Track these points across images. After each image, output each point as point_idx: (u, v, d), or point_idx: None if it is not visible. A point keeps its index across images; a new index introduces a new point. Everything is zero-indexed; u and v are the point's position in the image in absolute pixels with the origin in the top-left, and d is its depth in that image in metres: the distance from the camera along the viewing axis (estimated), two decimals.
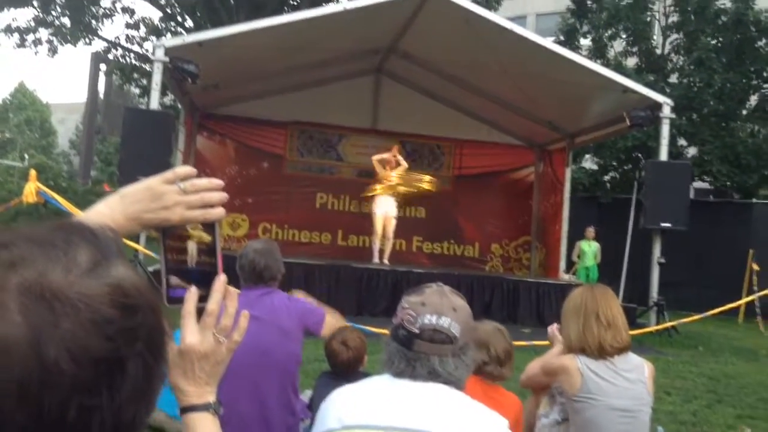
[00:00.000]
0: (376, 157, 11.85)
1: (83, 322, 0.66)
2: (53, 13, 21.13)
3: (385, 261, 11.55)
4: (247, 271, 3.42)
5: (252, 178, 13.81)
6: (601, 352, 3.07)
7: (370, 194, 12.03)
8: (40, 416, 0.64)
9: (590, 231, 13.76)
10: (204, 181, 1.09)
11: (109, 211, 1.04)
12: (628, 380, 3.11)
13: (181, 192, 1.07)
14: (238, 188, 13.35)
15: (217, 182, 1.11)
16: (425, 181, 12.43)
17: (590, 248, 13.65)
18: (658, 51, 19.03)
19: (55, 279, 0.67)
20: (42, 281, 0.67)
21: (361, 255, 12.55)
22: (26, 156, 47.26)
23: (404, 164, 11.85)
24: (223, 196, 1.09)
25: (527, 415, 3.36)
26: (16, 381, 0.63)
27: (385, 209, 11.65)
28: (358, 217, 13.21)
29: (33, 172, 9.50)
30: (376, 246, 11.69)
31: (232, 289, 1.07)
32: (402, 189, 11.84)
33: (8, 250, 0.69)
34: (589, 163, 19.66)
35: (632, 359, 3.19)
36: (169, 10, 22.06)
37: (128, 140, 9.91)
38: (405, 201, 12.72)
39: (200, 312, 1.04)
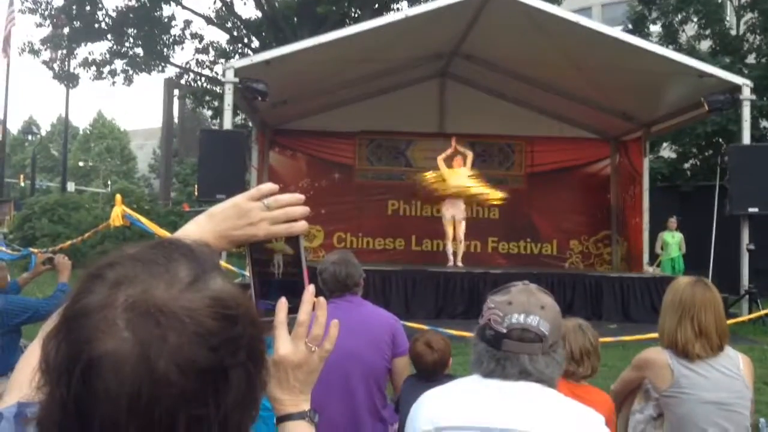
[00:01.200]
0: (440, 157, 11.86)
1: (188, 335, 0.68)
2: (127, 44, 22.04)
3: (459, 263, 11.50)
4: (331, 283, 3.47)
5: (324, 189, 14.00)
6: (688, 356, 2.97)
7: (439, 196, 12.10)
8: (151, 428, 0.67)
9: (672, 221, 13.32)
10: (287, 197, 1.13)
11: (199, 230, 1.08)
12: (722, 373, 3.00)
13: (266, 208, 1.10)
14: (311, 200, 13.47)
15: (299, 197, 1.14)
16: (491, 199, 12.41)
17: (674, 239, 13.21)
18: (733, 32, 18.28)
19: (159, 294, 0.70)
20: (147, 297, 0.70)
21: (435, 259, 12.52)
22: (109, 182, 49.34)
23: (470, 153, 11.83)
24: (305, 209, 1.13)
25: (624, 413, 3.28)
26: (127, 394, 0.66)
27: (452, 213, 11.63)
28: (431, 222, 13.19)
29: (119, 197, 9.90)
30: (449, 249, 11.67)
31: (322, 299, 1.10)
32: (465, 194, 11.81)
33: (113, 270, 0.72)
34: (667, 151, 19.03)
35: (726, 352, 3.07)
36: (235, 33, 22.67)
37: (205, 160, 10.22)
38: (477, 202, 12.64)
39: (290, 323, 1.07)
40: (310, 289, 1.08)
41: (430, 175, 12.23)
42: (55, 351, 0.69)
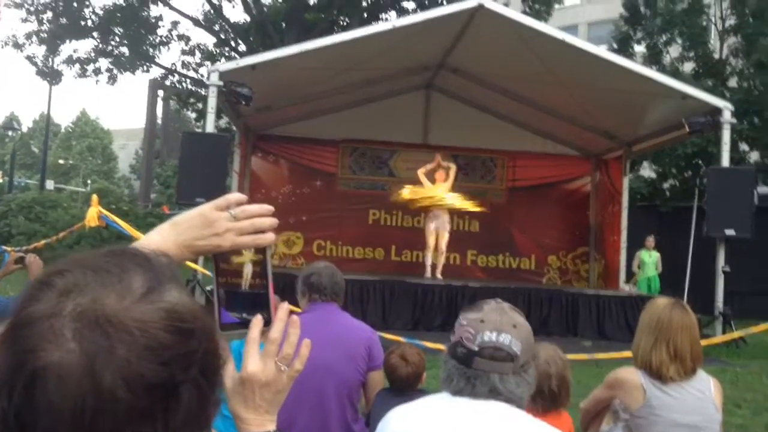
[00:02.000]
0: (421, 170, 11.84)
1: (138, 348, 0.66)
2: (112, 43, 21.89)
3: (438, 275, 11.49)
4: (316, 289, 3.44)
5: (306, 196, 13.95)
6: (661, 378, 2.98)
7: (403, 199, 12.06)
8: None
9: (650, 240, 13.43)
10: (255, 207, 1.10)
11: (161, 239, 1.05)
12: (693, 396, 3.01)
13: (232, 219, 1.07)
14: (293, 207, 13.49)
15: (268, 208, 1.11)
16: (468, 208, 12.36)
17: (651, 258, 13.31)
18: (716, 55, 18.52)
19: (110, 305, 0.67)
20: (96, 307, 0.67)
21: (415, 270, 12.51)
22: (89, 181, 48.88)
23: (452, 165, 11.82)
24: (273, 221, 1.10)
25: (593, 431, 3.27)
26: (70, 408, 0.63)
27: (435, 224, 11.61)
28: (411, 233, 13.20)
29: (95, 197, 9.80)
30: (429, 260, 11.65)
31: (295, 317, 1.07)
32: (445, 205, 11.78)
33: (63, 277, 0.69)
34: (647, 171, 19.21)
35: (698, 375, 3.08)
36: (222, 36, 22.60)
37: (186, 163, 10.14)
38: (458, 215, 12.64)
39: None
40: (284, 307, 1.06)
41: (405, 193, 12.19)
42: None
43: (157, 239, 1.05)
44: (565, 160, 14.27)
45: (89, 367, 0.64)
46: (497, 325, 1.65)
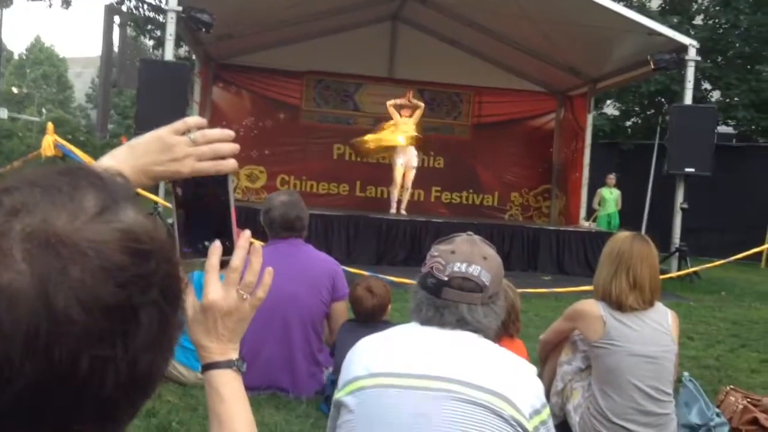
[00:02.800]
0: (390, 102, 11.68)
1: (93, 270, 0.61)
2: None
3: (403, 211, 11.53)
4: (279, 223, 3.41)
5: (269, 129, 13.73)
6: (620, 308, 3.04)
7: (362, 144, 11.93)
8: (50, 369, 0.60)
9: (611, 178, 13.62)
10: (215, 132, 1.05)
11: (117, 163, 1.00)
12: (651, 327, 3.08)
13: (192, 143, 1.02)
14: (255, 140, 13.28)
15: (229, 133, 1.06)
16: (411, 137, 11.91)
17: (611, 195, 13.52)
18: None
19: (61, 225, 0.62)
20: (47, 227, 0.62)
21: (379, 206, 12.52)
22: (44, 111, 47.46)
23: (421, 105, 11.70)
24: (234, 147, 1.05)
25: (551, 364, 3.34)
26: (23, 332, 0.59)
27: (406, 159, 11.56)
28: (376, 168, 13.14)
29: (50, 125, 9.51)
30: (394, 196, 11.65)
31: (257, 244, 1.04)
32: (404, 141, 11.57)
33: (11, 196, 0.64)
34: (610, 109, 19.32)
35: (656, 307, 3.15)
36: None
37: (144, 92, 9.83)
38: (423, 150, 12.49)
39: (222, 265, 1.01)
40: (245, 234, 1.02)
41: (369, 142, 11.93)
42: None
43: (113, 163, 0.99)
44: (530, 96, 14.24)
45: (41, 289, 0.59)
46: (467, 257, 1.64)
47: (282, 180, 13.61)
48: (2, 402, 0.60)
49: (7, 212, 0.62)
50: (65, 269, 0.60)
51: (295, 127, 13.80)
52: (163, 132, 1.03)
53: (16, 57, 58.75)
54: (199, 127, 1.04)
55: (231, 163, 1.03)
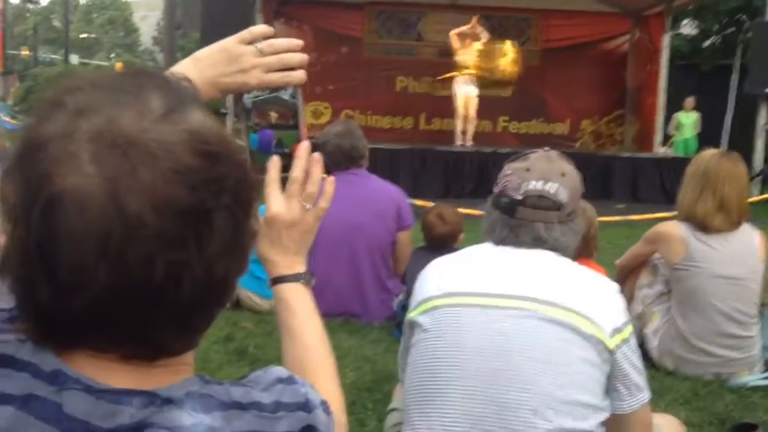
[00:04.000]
0: (454, 32, 11.36)
1: (163, 171, 0.59)
2: None
3: (469, 142, 11.35)
4: (335, 156, 3.39)
5: (332, 64, 13.62)
6: (706, 229, 2.91)
7: (446, 77, 11.67)
8: (126, 274, 0.59)
9: (689, 101, 13.03)
10: (283, 41, 1.02)
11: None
12: (736, 248, 2.96)
13: (259, 53, 0.99)
14: (318, 75, 13.20)
15: (297, 42, 1.03)
16: (505, 64, 11.65)
17: (689, 119, 12.97)
18: None
19: (128, 125, 0.60)
20: (113, 128, 0.60)
21: (444, 138, 12.37)
22: (113, 55, 48.46)
23: (485, 35, 11.36)
24: (303, 57, 1.02)
25: (629, 287, 3.26)
26: (95, 236, 0.58)
27: (465, 89, 11.32)
28: (441, 100, 12.89)
29: (119, 64, 9.69)
30: (458, 127, 11.47)
31: (317, 154, 1.01)
32: (478, 74, 11.31)
33: (74, 96, 0.62)
34: (687, 28, 18.34)
35: (743, 228, 3.02)
36: None
37: (207, 31, 9.85)
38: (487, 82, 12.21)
39: (284, 182, 0.99)
40: (304, 145, 0.99)
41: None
42: (12, 189, 0.60)
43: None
44: (602, 17, 13.59)
45: (111, 191, 0.58)
46: (544, 174, 1.58)
47: (346, 115, 13.52)
48: (79, 308, 0.60)
49: (71, 113, 0.60)
50: (135, 171, 0.59)
51: (358, 60, 13.64)
52: (229, 42, 1.00)
53: (82, 2, 59.84)
54: (266, 37, 1.01)
55: (299, 75, 1.01)
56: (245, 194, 0.66)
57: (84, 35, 54.23)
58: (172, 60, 28.34)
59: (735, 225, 2.93)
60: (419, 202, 7.44)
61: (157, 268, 0.59)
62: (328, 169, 3.52)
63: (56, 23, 53.55)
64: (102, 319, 0.61)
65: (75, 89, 0.63)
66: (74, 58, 37.57)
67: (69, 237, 0.58)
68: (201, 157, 0.61)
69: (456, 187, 10.19)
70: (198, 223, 0.61)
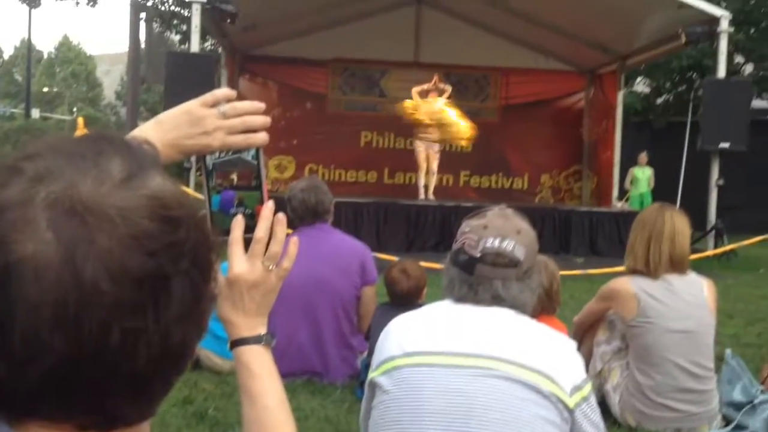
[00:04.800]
0: (416, 89, 11.58)
1: (121, 238, 0.59)
2: None
3: (431, 196, 11.47)
4: (300, 210, 3.39)
5: (296, 119, 13.75)
6: (654, 277, 2.98)
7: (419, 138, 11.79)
8: (80, 342, 0.58)
9: (643, 156, 13.39)
10: (245, 104, 1.02)
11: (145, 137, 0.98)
12: (686, 301, 3.02)
13: (222, 116, 1.00)
14: (283, 130, 13.30)
15: (259, 105, 1.04)
16: (462, 136, 11.80)
17: (644, 174, 13.31)
18: None
19: (87, 191, 0.60)
20: (72, 194, 0.59)
21: (408, 192, 12.48)
22: (75, 109, 48.12)
23: (448, 89, 11.59)
24: (265, 119, 1.02)
25: (587, 344, 3.29)
26: (51, 304, 0.57)
27: (426, 144, 11.49)
28: (404, 154, 13.07)
29: (80, 120, 9.67)
30: (421, 181, 11.60)
31: (281, 215, 1.01)
32: (435, 136, 11.48)
33: (33, 162, 0.62)
34: (641, 86, 18.98)
35: (690, 279, 3.10)
36: None
37: (171, 86, 9.89)
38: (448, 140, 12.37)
39: (248, 242, 0.99)
40: (268, 205, 1.00)
41: (409, 104, 11.80)
42: None
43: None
44: (558, 75, 14.03)
45: (68, 258, 0.57)
46: (501, 231, 1.60)
47: (310, 169, 13.62)
48: (32, 379, 0.58)
49: (30, 179, 0.60)
50: (92, 238, 0.58)
51: (322, 115, 13.79)
52: (192, 105, 1.01)
53: (45, 56, 59.61)
54: (229, 100, 1.02)
55: (262, 137, 1.01)
56: (205, 258, 0.65)
57: (46, 89, 53.87)
58: (135, 114, 28.24)
59: (681, 272, 3.02)
60: (383, 256, 7.45)
61: (113, 336, 0.58)
62: (293, 224, 3.53)
63: (17, 77, 53.13)
64: (56, 390, 0.59)
65: (34, 155, 0.63)
66: (35, 112, 37.19)
67: (25, 306, 0.57)
68: (160, 222, 0.61)
69: (419, 240, 10.24)
70: (155, 290, 0.60)
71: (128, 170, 0.63)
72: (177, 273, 0.61)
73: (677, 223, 3.03)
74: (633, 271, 3.05)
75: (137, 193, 0.62)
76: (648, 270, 2.98)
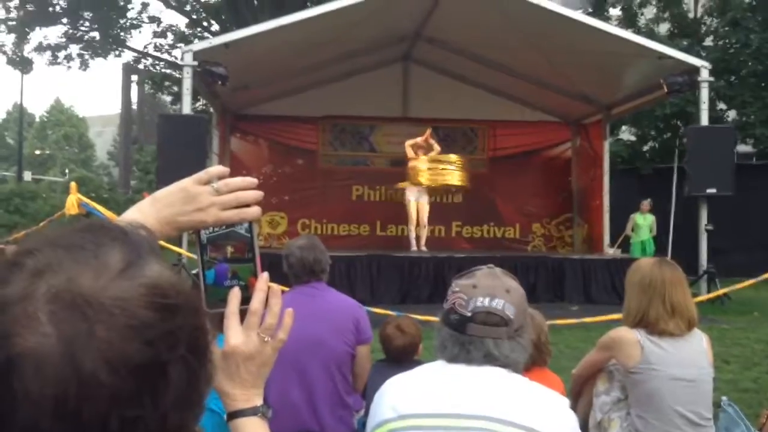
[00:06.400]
0: (409, 142, 11.72)
1: (119, 328, 0.61)
2: (82, 28, 21.49)
3: (423, 248, 11.49)
4: (298, 269, 3.39)
5: (287, 175, 13.86)
6: (661, 334, 2.98)
7: (400, 187, 11.94)
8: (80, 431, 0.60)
9: (645, 204, 13.29)
10: (238, 180, 1.06)
11: (141, 216, 1.01)
12: (687, 350, 3.02)
13: (215, 192, 1.03)
14: (275, 186, 13.40)
15: (251, 180, 1.07)
16: (454, 177, 11.96)
17: (645, 221, 13.25)
18: (691, 15, 18.52)
19: (86, 284, 0.63)
20: (72, 287, 0.62)
21: (400, 244, 12.52)
22: (67, 171, 48.27)
23: (437, 148, 11.74)
24: (258, 194, 1.06)
25: (587, 396, 3.28)
26: (51, 397, 0.59)
27: (416, 196, 11.58)
28: (395, 207, 13.13)
29: (73, 185, 9.68)
30: (412, 233, 11.64)
31: (276, 287, 1.03)
32: (427, 182, 11.60)
33: (34, 257, 0.65)
34: (626, 134, 19.27)
35: (693, 332, 3.09)
36: (194, 16, 22.26)
37: (164, 147, 10.00)
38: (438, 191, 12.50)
39: (243, 314, 1.01)
40: (263, 277, 1.02)
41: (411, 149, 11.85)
42: None
43: (138, 216, 1.00)
44: (545, 126, 14.26)
45: (68, 351, 0.59)
46: (490, 290, 1.63)
47: (303, 224, 13.67)
48: None
49: (30, 274, 0.63)
50: (91, 330, 0.60)
51: (313, 171, 13.92)
52: (186, 183, 1.04)
53: (37, 119, 60.07)
54: (221, 177, 1.05)
55: (255, 211, 1.04)
56: (201, 342, 0.68)
57: (38, 151, 54.14)
58: (128, 174, 28.38)
59: (688, 330, 3.01)
60: (377, 310, 7.43)
61: (112, 424, 0.60)
62: (289, 281, 3.54)
63: (9, 140, 53.43)
64: None
65: (33, 250, 0.65)
66: (27, 175, 37.29)
67: (26, 398, 0.59)
68: (157, 310, 0.63)
69: (413, 292, 10.23)
70: (153, 377, 0.62)
71: (126, 260, 0.66)
72: (174, 359, 0.63)
73: (677, 278, 3.02)
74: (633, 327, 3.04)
75: (135, 283, 0.64)
76: (652, 329, 2.97)
